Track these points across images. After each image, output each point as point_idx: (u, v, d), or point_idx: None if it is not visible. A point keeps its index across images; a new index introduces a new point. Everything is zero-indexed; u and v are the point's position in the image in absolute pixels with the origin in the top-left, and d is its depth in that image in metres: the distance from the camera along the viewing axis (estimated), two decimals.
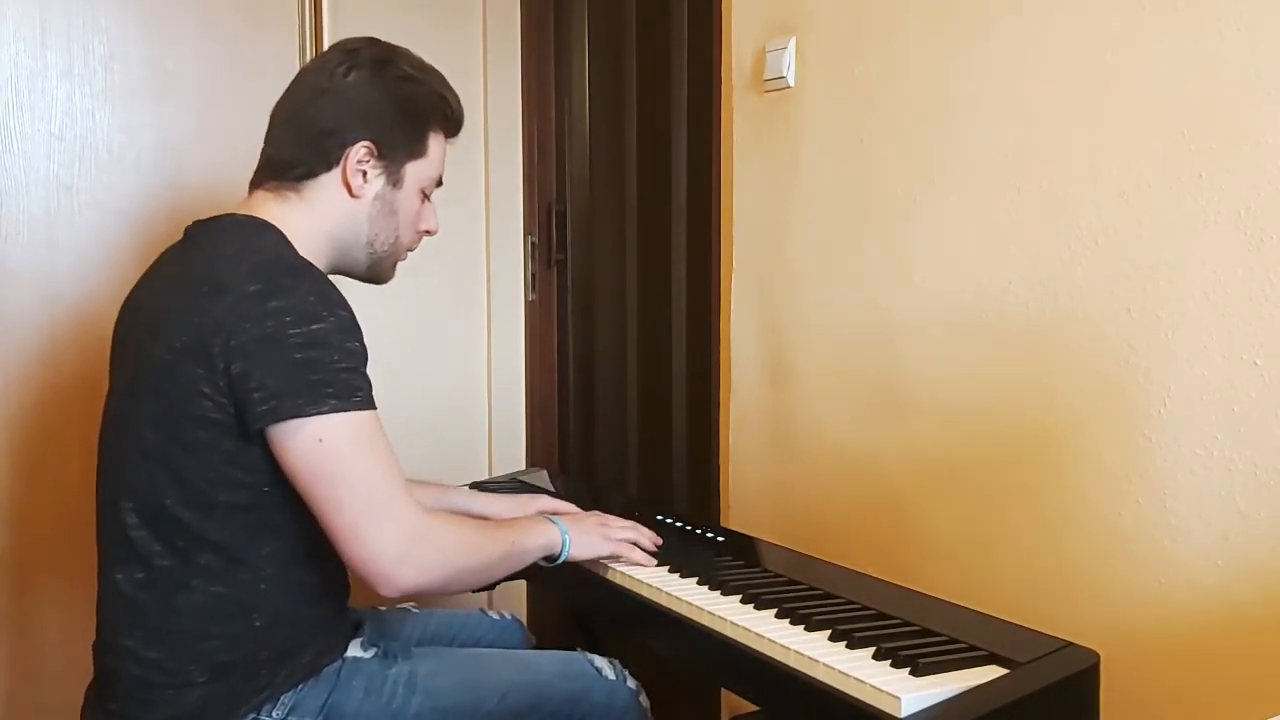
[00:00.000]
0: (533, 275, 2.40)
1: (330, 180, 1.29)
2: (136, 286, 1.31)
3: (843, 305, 1.62)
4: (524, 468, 2.37)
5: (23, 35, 1.83)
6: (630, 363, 2.25)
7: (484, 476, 2.20)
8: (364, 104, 1.29)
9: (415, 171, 1.34)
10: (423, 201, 1.38)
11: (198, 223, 1.30)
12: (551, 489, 1.80)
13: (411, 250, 1.42)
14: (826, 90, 1.64)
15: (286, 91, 1.33)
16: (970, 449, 1.43)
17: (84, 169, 1.89)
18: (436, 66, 1.37)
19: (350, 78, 1.29)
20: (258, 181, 1.32)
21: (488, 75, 2.32)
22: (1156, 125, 1.21)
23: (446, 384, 2.32)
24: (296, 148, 1.29)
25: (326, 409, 1.13)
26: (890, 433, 1.55)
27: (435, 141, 1.36)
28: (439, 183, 1.40)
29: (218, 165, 1.93)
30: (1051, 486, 1.33)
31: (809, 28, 1.67)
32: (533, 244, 2.40)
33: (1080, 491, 1.29)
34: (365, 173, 1.30)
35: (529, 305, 2.41)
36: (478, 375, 2.37)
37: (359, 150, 1.29)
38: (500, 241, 2.37)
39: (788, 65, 1.69)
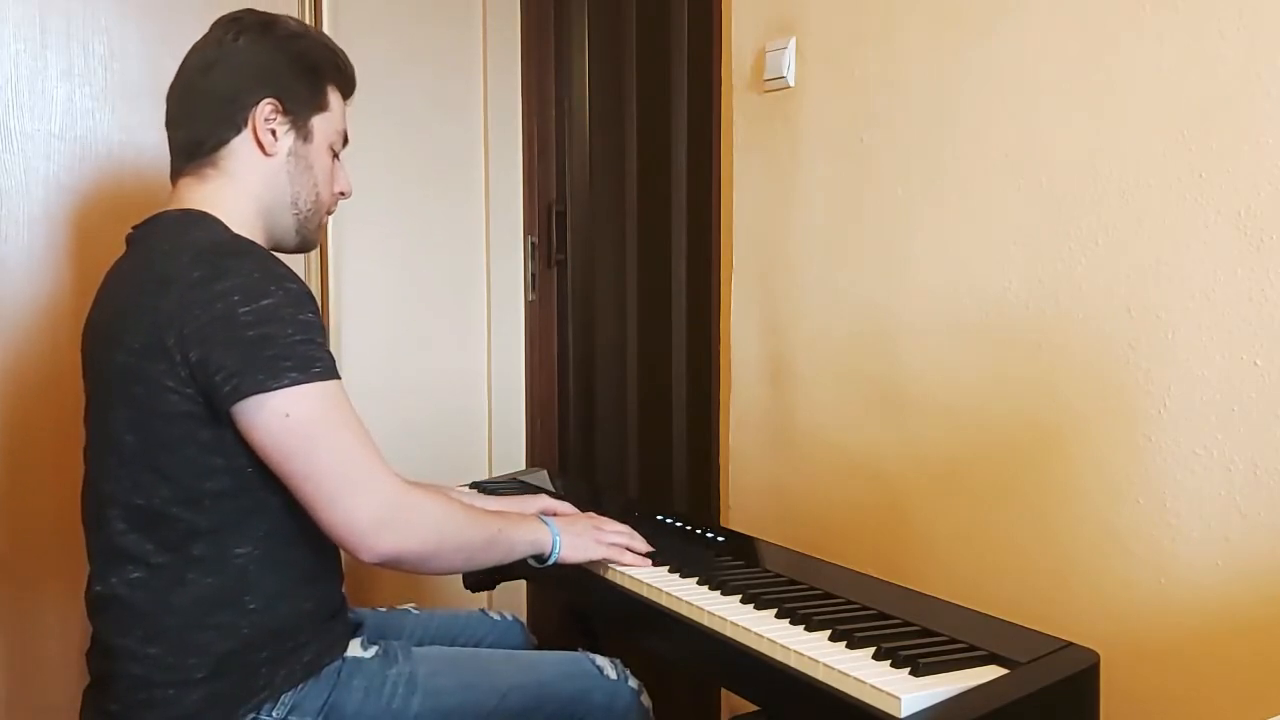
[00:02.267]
0: (533, 275, 2.40)
1: (242, 144, 1.30)
2: (93, 304, 1.31)
3: (843, 305, 1.62)
4: (524, 468, 2.37)
5: (23, 35, 1.83)
6: (630, 363, 2.26)
7: (484, 476, 2.21)
8: (259, 63, 1.30)
9: (321, 125, 1.34)
10: (333, 159, 1.39)
11: (135, 227, 1.30)
12: (551, 489, 1.80)
13: (330, 213, 1.42)
14: (826, 90, 1.64)
15: (176, 75, 1.32)
16: (970, 449, 1.43)
17: (84, 169, 1.89)
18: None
19: (239, 42, 1.29)
20: (176, 170, 1.32)
21: (488, 75, 2.32)
22: (1156, 125, 1.21)
23: (446, 384, 2.32)
24: (201, 123, 1.30)
25: (287, 382, 1.13)
26: (890, 433, 1.55)
27: (334, 96, 1.36)
28: (345, 140, 1.41)
29: None
30: (1051, 486, 1.33)
31: (809, 28, 1.67)
32: (533, 244, 2.40)
33: (1080, 491, 1.29)
34: (274, 130, 1.30)
35: (529, 305, 2.41)
36: (478, 375, 2.37)
37: (264, 108, 1.29)
38: (500, 241, 2.37)
39: (788, 65, 1.69)
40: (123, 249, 1.32)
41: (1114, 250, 1.26)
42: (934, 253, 1.48)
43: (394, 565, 1.21)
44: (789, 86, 1.70)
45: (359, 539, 1.17)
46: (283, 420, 1.14)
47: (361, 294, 2.18)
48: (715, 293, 1.89)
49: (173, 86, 1.32)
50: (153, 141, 1.93)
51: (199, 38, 1.33)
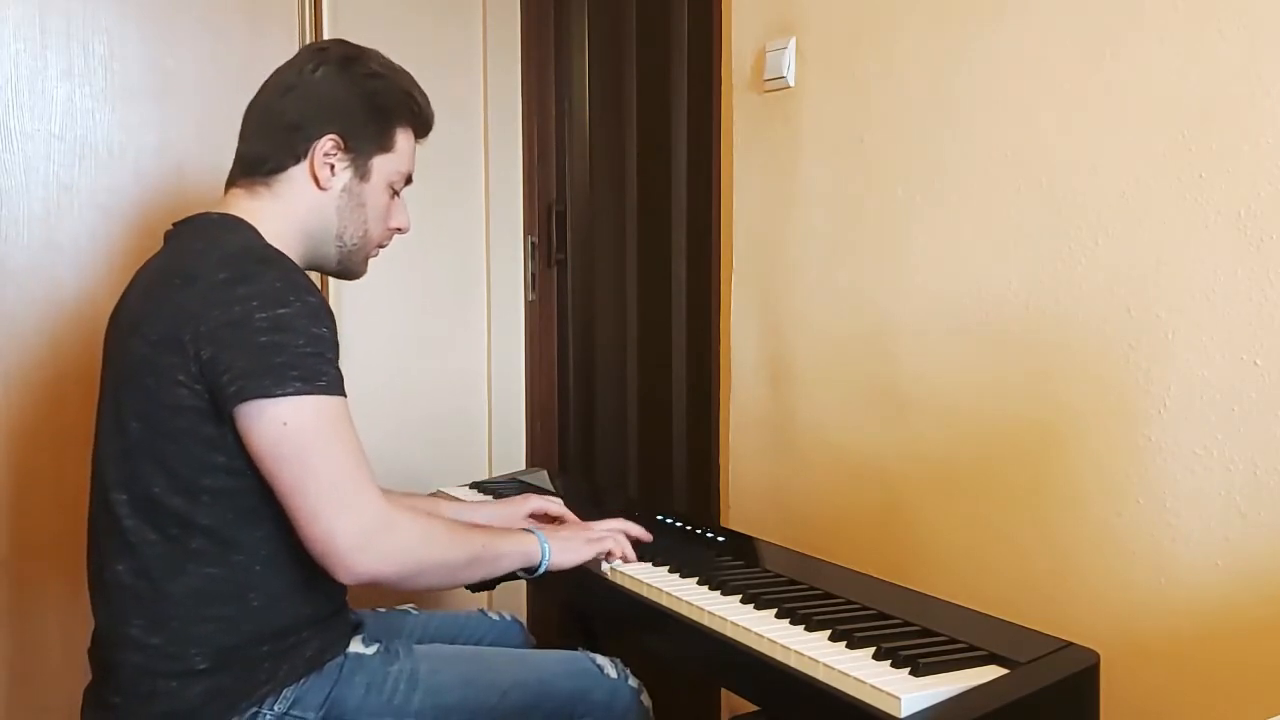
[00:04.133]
0: (533, 275, 2.40)
1: (299, 173, 1.31)
2: (123, 294, 1.33)
3: (843, 305, 1.62)
4: (524, 468, 2.37)
5: (23, 35, 1.83)
6: (630, 363, 2.25)
7: (484, 476, 2.21)
8: (331, 98, 1.32)
9: (382, 166, 1.36)
10: (392, 198, 1.39)
11: (175, 224, 1.33)
12: (551, 489, 1.80)
13: (383, 246, 1.43)
14: (826, 90, 1.64)
15: (259, 91, 1.35)
16: (970, 449, 1.43)
17: (84, 169, 1.89)
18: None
19: (318, 74, 1.32)
20: (232, 180, 1.35)
21: (488, 75, 2.32)
22: (1156, 125, 1.21)
23: (446, 384, 2.32)
24: (265, 143, 1.32)
25: (291, 391, 1.15)
26: (890, 433, 1.55)
27: (403, 137, 1.37)
28: (408, 180, 1.41)
29: (218, 165, 1.91)
30: (1051, 486, 1.33)
31: (809, 28, 1.67)
32: (533, 244, 2.40)
33: (1080, 491, 1.29)
34: (332, 165, 1.32)
35: (529, 305, 2.41)
36: (478, 375, 2.37)
37: (325, 143, 1.31)
38: (500, 241, 2.37)
39: (788, 65, 1.69)
40: (122, 248, 1.33)
41: (1114, 250, 1.26)
42: (934, 253, 1.48)
43: (371, 585, 1.21)
44: (789, 86, 1.70)
45: (336, 559, 1.17)
46: (280, 428, 1.15)
47: (362, 294, 2.18)
48: (715, 293, 1.89)
49: (253, 101, 1.35)
50: (153, 141, 1.94)
51: (287, 61, 1.35)
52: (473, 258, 2.35)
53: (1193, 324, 1.18)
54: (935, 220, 1.47)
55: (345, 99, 1.32)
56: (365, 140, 1.34)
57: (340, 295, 2.14)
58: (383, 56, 1.38)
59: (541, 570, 1.35)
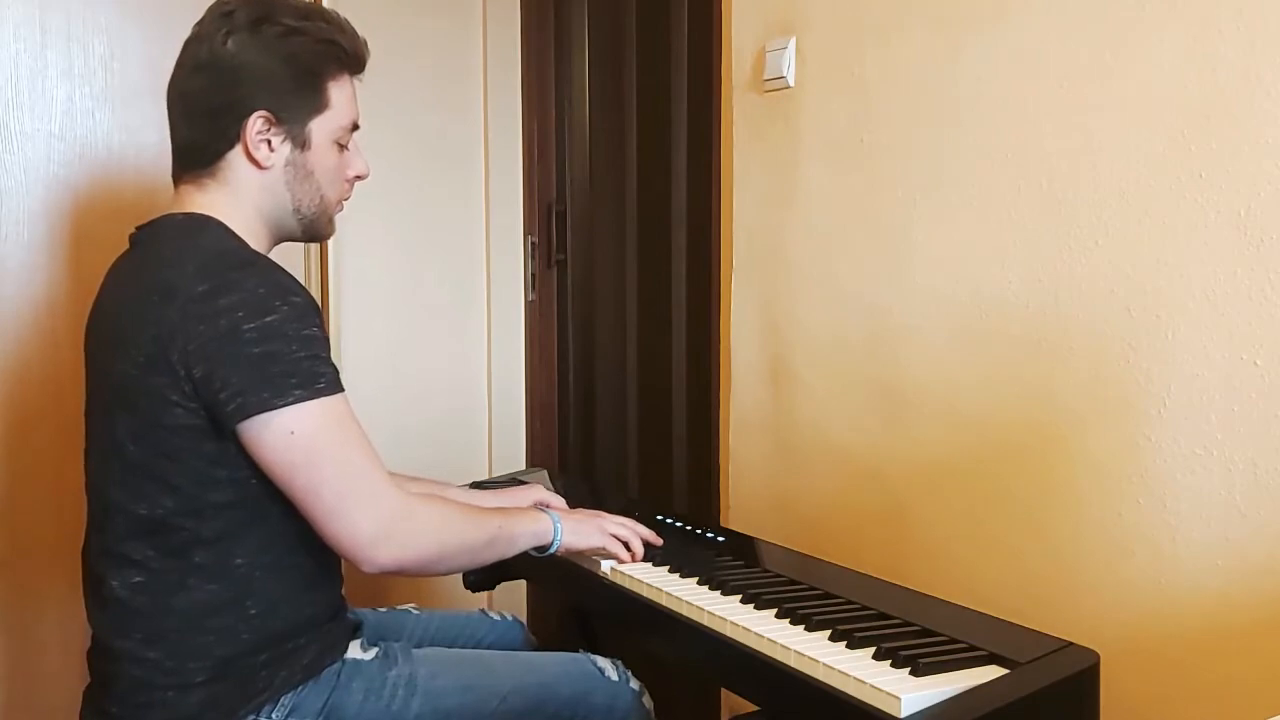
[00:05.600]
0: (533, 275, 2.40)
1: (236, 157, 1.25)
2: (96, 301, 1.30)
3: (843, 306, 1.62)
4: (524, 468, 2.37)
5: (23, 35, 1.83)
6: (630, 363, 2.25)
7: (484, 476, 2.21)
8: (249, 71, 1.22)
9: (322, 127, 1.28)
10: (341, 152, 1.32)
11: (139, 228, 1.28)
12: (551, 489, 1.80)
13: (345, 199, 1.36)
14: (826, 90, 1.64)
15: (174, 70, 1.26)
16: (970, 449, 1.43)
17: (84, 169, 1.89)
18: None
19: (229, 45, 1.22)
20: (177, 174, 1.29)
21: (488, 75, 2.32)
22: (1156, 125, 1.21)
23: (446, 384, 2.32)
24: (194, 131, 1.26)
25: (292, 400, 1.13)
26: (890, 433, 1.55)
27: (337, 89, 1.28)
28: (355, 126, 1.33)
29: None
30: (1051, 487, 1.33)
31: (809, 28, 1.67)
32: (533, 244, 2.40)
33: (1080, 492, 1.29)
34: (268, 142, 1.25)
35: (529, 305, 2.41)
36: (478, 375, 2.37)
37: (256, 122, 1.23)
38: (500, 241, 2.37)
39: (788, 65, 1.69)
40: (120, 250, 1.32)
41: (1114, 250, 1.26)
42: (934, 253, 1.48)
43: (396, 574, 1.22)
44: (789, 86, 1.70)
45: (360, 552, 1.17)
46: (288, 438, 1.14)
47: (361, 294, 2.18)
48: (715, 293, 1.89)
49: (170, 85, 1.28)
50: (152, 141, 1.93)
51: (195, 27, 1.27)
52: (473, 258, 2.35)
53: (1193, 324, 1.18)
54: (935, 220, 1.47)
55: (265, 69, 1.22)
56: (296, 108, 1.25)
57: (340, 295, 2.14)
58: (295, 4, 1.27)
59: (553, 549, 1.35)
